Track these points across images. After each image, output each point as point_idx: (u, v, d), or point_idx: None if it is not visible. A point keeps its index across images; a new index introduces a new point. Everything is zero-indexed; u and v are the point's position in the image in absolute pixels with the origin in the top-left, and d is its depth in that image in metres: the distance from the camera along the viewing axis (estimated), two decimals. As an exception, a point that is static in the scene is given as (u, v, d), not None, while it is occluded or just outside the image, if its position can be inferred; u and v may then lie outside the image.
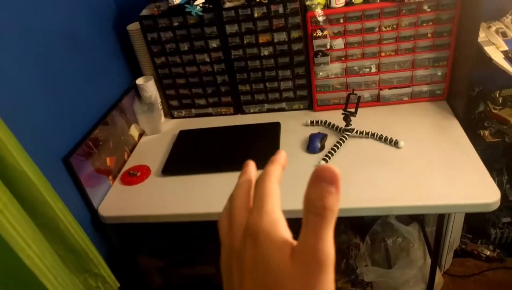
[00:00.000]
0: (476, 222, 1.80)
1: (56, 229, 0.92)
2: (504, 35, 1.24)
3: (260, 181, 0.32)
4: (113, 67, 1.49)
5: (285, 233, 0.28)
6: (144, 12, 1.44)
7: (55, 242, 0.92)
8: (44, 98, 1.10)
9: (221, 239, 0.33)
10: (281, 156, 0.35)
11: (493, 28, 1.29)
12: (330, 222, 0.26)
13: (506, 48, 1.19)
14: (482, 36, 1.25)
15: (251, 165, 0.35)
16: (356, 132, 1.33)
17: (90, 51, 1.34)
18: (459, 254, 1.81)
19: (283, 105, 1.56)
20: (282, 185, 1.16)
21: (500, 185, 1.60)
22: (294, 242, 0.27)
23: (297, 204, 1.06)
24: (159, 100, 1.60)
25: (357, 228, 1.72)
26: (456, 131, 1.28)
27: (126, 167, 1.39)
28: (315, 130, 1.39)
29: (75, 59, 1.25)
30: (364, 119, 1.36)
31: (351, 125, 1.33)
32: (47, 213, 0.88)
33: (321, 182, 0.26)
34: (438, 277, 1.63)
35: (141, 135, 1.57)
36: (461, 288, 1.70)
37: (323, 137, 1.32)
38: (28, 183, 0.82)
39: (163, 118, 1.64)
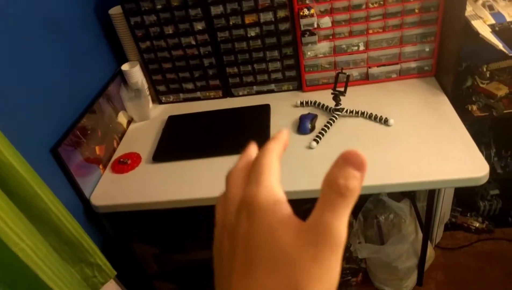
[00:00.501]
0: (466, 196, 1.84)
1: (49, 221, 0.91)
2: (491, 8, 1.24)
3: (258, 157, 0.30)
4: (97, 53, 1.45)
5: (286, 208, 0.27)
6: (126, -5, 1.40)
7: (48, 234, 0.91)
8: (28, 88, 1.07)
9: (215, 219, 0.31)
10: (283, 134, 0.33)
11: (480, 1, 1.28)
12: (349, 203, 0.25)
13: (493, 21, 1.18)
14: (469, 10, 1.25)
15: (253, 147, 0.34)
16: (346, 111, 1.33)
17: (73, 38, 1.30)
18: (449, 227, 1.85)
19: (272, 86, 1.55)
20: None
21: (488, 158, 1.63)
22: (297, 219, 0.26)
23: (289, 185, 1.07)
24: (146, 85, 1.57)
25: (349, 206, 1.74)
26: (444, 106, 1.29)
27: (116, 155, 1.38)
28: (305, 111, 1.39)
29: (58, 47, 1.21)
30: (354, 98, 1.36)
31: (340, 104, 1.33)
32: (38, 205, 0.87)
33: (348, 165, 0.26)
34: (430, 251, 1.67)
35: (129, 122, 1.55)
36: (452, 260, 1.75)
37: (313, 117, 1.32)
38: (17, 176, 0.81)
39: (151, 104, 1.62)
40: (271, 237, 0.25)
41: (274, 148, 0.30)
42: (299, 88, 1.53)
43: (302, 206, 1.72)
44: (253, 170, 0.29)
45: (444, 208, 1.68)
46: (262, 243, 0.25)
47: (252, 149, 0.33)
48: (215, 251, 0.29)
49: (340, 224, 0.25)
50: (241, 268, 0.26)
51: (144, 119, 1.54)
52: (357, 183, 0.25)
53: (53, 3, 1.21)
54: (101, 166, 1.32)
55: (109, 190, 1.25)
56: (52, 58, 1.18)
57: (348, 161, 0.26)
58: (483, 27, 1.17)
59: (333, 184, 0.25)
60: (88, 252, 1.04)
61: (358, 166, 0.25)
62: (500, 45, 1.11)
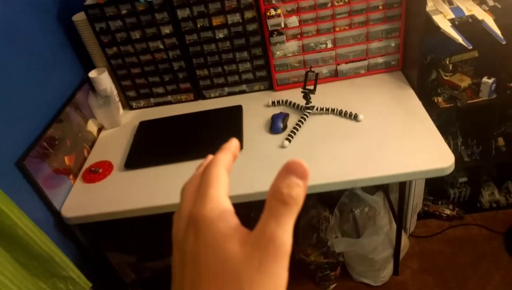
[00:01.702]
0: (436, 184, 1.89)
1: (16, 237, 0.88)
2: (450, 3, 1.27)
3: (206, 168, 0.30)
4: (62, 61, 1.41)
5: (232, 220, 0.27)
6: (89, 1, 1.37)
7: (15, 250, 0.88)
8: (-12, 100, 1.03)
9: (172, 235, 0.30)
10: (232, 144, 0.33)
11: (440, -3, 1.32)
12: (293, 212, 0.26)
13: (452, 16, 1.22)
14: (430, 5, 1.28)
15: (210, 157, 0.33)
16: (317, 109, 1.34)
17: (35, 46, 1.26)
18: (422, 216, 1.90)
19: (244, 87, 1.55)
20: (246, 167, 1.17)
21: (455, 147, 1.68)
22: (244, 230, 0.26)
23: (262, 185, 1.08)
24: (115, 92, 1.54)
25: (325, 202, 1.77)
26: (411, 100, 1.32)
27: (87, 165, 1.35)
28: (277, 110, 1.40)
29: (18, 56, 1.17)
30: (324, 95, 1.38)
31: (311, 102, 1.34)
32: (3, 222, 0.84)
33: (291, 175, 0.26)
34: (404, 240, 1.71)
35: (100, 129, 1.51)
36: (426, 248, 1.80)
37: (284, 116, 1.33)
38: (-22, 194, 0.78)
39: (121, 110, 1.59)
40: (217, 251, 0.25)
41: (222, 160, 0.31)
42: (270, 87, 1.54)
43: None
44: (201, 183, 0.29)
45: (416, 198, 1.72)
46: (208, 257, 0.25)
47: (209, 160, 0.33)
48: (172, 267, 0.29)
49: (284, 232, 0.25)
50: (190, 283, 0.26)
51: (114, 126, 1.52)
52: (300, 191, 0.26)
53: (10, 12, 1.17)
54: (71, 177, 1.28)
55: (81, 201, 1.22)
56: (13, 67, 1.14)
57: (291, 170, 0.26)
58: (443, 22, 1.20)
59: (276, 193, 0.26)
60: (60, 266, 1.01)
61: (301, 175, 0.26)
62: (459, 38, 1.15)
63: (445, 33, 1.17)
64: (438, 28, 1.21)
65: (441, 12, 1.26)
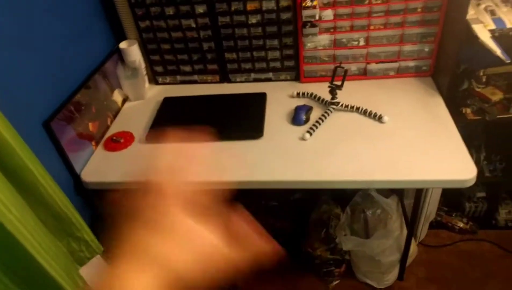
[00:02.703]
0: (453, 196, 1.86)
1: (37, 194, 0.91)
2: (492, 13, 1.24)
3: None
4: (96, 29, 1.44)
5: None
6: (129, -28, 1.38)
7: (36, 207, 0.92)
8: (24, 60, 1.05)
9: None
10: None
11: (482, 6, 1.28)
12: None
13: (493, 26, 1.18)
14: (471, 14, 1.25)
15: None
16: (342, 105, 1.33)
17: (72, 12, 1.28)
18: (434, 225, 1.88)
19: (270, 75, 1.54)
20: (265, 155, 1.18)
21: (477, 161, 1.65)
22: None
23: (280, 174, 1.08)
24: (143, 65, 1.56)
25: (338, 199, 1.77)
26: (439, 108, 1.30)
27: (109, 133, 1.38)
28: (301, 102, 1.39)
29: (57, 20, 1.20)
30: (350, 92, 1.37)
31: (336, 98, 1.33)
32: (27, 178, 0.87)
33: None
34: (413, 247, 1.70)
35: (124, 100, 1.54)
36: (434, 257, 1.78)
37: (308, 109, 1.33)
38: (7, 148, 0.81)
39: (147, 84, 1.61)
40: None
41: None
42: (297, 78, 1.53)
43: (292, 195, 1.74)
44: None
45: (430, 207, 1.71)
46: None
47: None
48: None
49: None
50: None
51: (139, 99, 1.54)
52: None
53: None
54: (93, 143, 1.32)
55: (100, 167, 1.25)
56: (50, 31, 1.17)
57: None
58: (483, 32, 1.17)
59: None
60: (76, 227, 1.04)
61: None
62: (498, 51, 1.12)
63: (483, 44, 1.14)
64: (476, 37, 1.18)
65: (482, 22, 1.22)
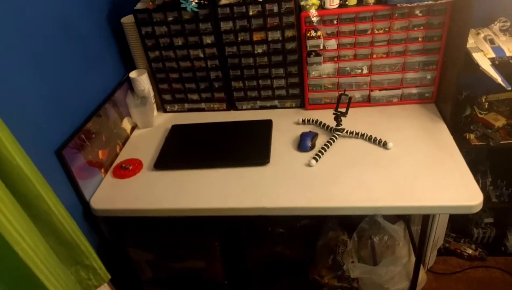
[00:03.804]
0: (460, 222, 1.85)
1: (49, 222, 0.92)
2: (491, 42, 1.27)
3: None
4: (107, 59, 1.49)
5: None
6: (139, 5, 1.44)
7: (47, 234, 0.93)
8: (38, 89, 1.10)
9: None
10: None
11: (482, 35, 1.32)
12: None
13: (493, 55, 1.22)
14: (470, 42, 1.28)
15: None
16: (346, 132, 1.36)
17: (85, 42, 1.34)
18: (442, 252, 1.86)
19: (276, 102, 1.58)
20: (271, 182, 1.21)
21: (483, 186, 1.65)
22: None
23: (286, 201, 1.10)
24: (152, 93, 1.60)
25: (345, 226, 1.76)
26: (443, 134, 1.31)
27: (118, 160, 1.40)
28: (306, 128, 1.42)
29: (70, 50, 1.25)
30: (354, 119, 1.39)
31: (341, 125, 1.36)
32: (40, 206, 0.89)
33: None
34: (422, 275, 1.67)
35: (133, 128, 1.57)
36: (443, 285, 1.75)
37: (314, 136, 1.35)
38: (22, 176, 0.83)
39: (155, 112, 1.65)
40: None
41: None
42: (302, 106, 1.56)
43: (299, 222, 1.73)
44: None
45: (438, 233, 1.69)
46: None
47: None
48: None
49: None
50: None
51: (148, 126, 1.57)
52: None
53: (69, 7, 1.25)
54: (102, 170, 1.34)
55: (109, 194, 1.27)
56: (64, 61, 1.22)
57: None
58: (483, 60, 1.20)
59: None
60: (85, 255, 1.05)
61: None
62: (499, 78, 1.15)
63: (484, 72, 1.17)
64: (477, 65, 1.21)
65: (482, 50, 1.26)
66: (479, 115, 1.47)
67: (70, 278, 0.99)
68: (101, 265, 1.12)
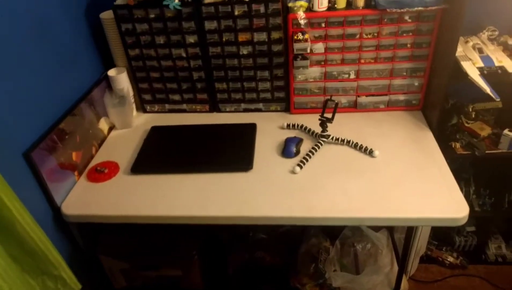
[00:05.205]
0: (442, 230, 1.84)
1: (13, 231, 0.86)
2: (480, 51, 1.26)
3: None
4: (84, 56, 1.41)
5: None
6: (119, 1, 1.37)
7: (10, 244, 0.86)
8: (5, 88, 1.02)
9: None
10: None
11: (470, 44, 1.30)
12: None
13: (481, 64, 1.20)
14: (459, 51, 1.27)
15: None
16: (332, 138, 1.32)
17: (60, 39, 1.26)
18: (424, 260, 1.85)
19: (260, 105, 1.53)
20: (254, 189, 1.16)
21: (467, 195, 1.64)
22: None
23: (268, 210, 1.05)
24: (131, 93, 1.53)
25: (327, 232, 1.73)
26: (429, 142, 1.29)
27: (93, 163, 1.33)
28: (291, 133, 1.38)
29: (43, 47, 1.17)
30: (340, 125, 1.36)
31: (327, 131, 1.32)
32: (4, 215, 0.82)
33: None
34: (404, 283, 1.66)
35: (111, 129, 1.51)
36: (425, 293, 1.74)
37: (298, 141, 1.31)
38: (-19, 183, 0.76)
39: (135, 112, 1.58)
40: None
41: None
42: (287, 109, 1.52)
43: (281, 227, 1.69)
44: None
45: (421, 241, 1.68)
46: None
47: None
48: None
49: None
50: None
51: (126, 127, 1.50)
52: None
53: (39, 3, 1.17)
54: (76, 173, 1.27)
55: (82, 199, 1.20)
56: (36, 58, 1.14)
57: None
58: (472, 69, 1.18)
59: None
60: (53, 265, 0.99)
61: None
62: (487, 89, 1.13)
63: (473, 81, 1.15)
64: (465, 74, 1.19)
65: (470, 59, 1.24)
66: (466, 124, 1.46)
67: (35, 289, 0.93)
68: (71, 275, 1.06)
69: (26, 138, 1.08)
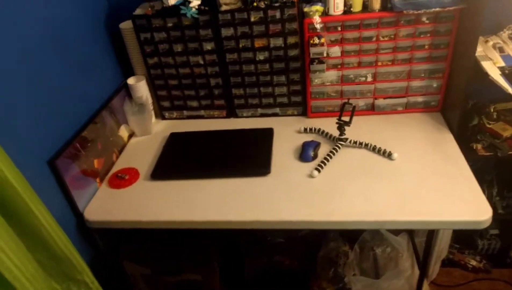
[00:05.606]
0: (464, 233, 1.80)
1: (39, 237, 0.88)
2: (501, 50, 1.23)
3: None
4: (104, 65, 1.45)
5: None
6: (138, 11, 1.40)
7: (37, 250, 0.89)
8: (30, 97, 1.05)
9: None
10: None
11: (491, 43, 1.28)
12: None
13: (502, 64, 1.18)
14: (479, 50, 1.24)
15: None
16: (350, 141, 1.32)
17: (81, 48, 1.30)
18: (446, 263, 1.81)
19: (277, 110, 1.54)
20: (272, 193, 1.16)
21: (489, 197, 1.61)
22: None
23: (287, 214, 1.05)
24: (150, 100, 1.56)
25: (346, 236, 1.71)
26: (449, 144, 1.27)
27: (114, 169, 1.36)
28: (309, 137, 1.38)
29: (64, 57, 1.21)
30: (358, 128, 1.35)
31: (345, 134, 1.32)
32: (30, 221, 0.84)
33: None
34: (425, 287, 1.63)
35: (130, 136, 1.53)
36: (447, 298, 1.71)
37: (316, 145, 1.31)
38: (11, 191, 0.79)
39: (153, 119, 1.61)
40: None
41: None
42: (304, 114, 1.52)
43: (299, 231, 1.68)
44: None
45: (442, 244, 1.65)
46: None
47: None
48: None
49: None
50: None
51: (145, 134, 1.53)
52: None
53: (63, 12, 1.21)
54: (98, 180, 1.30)
55: (104, 205, 1.22)
56: (58, 68, 1.18)
57: None
58: (492, 69, 1.16)
59: None
60: (77, 269, 1.01)
61: None
62: (509, 88, 1.11)
63: (494, 81, 1.13)
64: (486, 74, 1.18)
65: (491, 59, 1.22)
66: (487, 125, 1.43)
67: (61, 295, 0.95)
68: (93, 280, 1.08)
69: (51, 147, 1.12)
